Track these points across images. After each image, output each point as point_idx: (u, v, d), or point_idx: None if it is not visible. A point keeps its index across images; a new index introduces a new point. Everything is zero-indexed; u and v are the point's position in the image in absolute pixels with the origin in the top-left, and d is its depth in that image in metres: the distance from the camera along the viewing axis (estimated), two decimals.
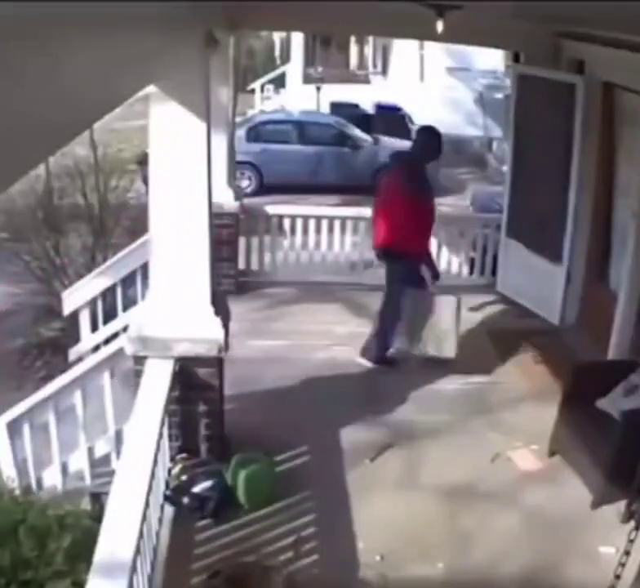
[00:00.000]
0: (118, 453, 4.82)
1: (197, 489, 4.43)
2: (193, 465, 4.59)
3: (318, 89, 19.52)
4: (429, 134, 6.07)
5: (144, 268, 6.07)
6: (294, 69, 22.77)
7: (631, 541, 3.58)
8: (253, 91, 21.61)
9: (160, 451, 4.02)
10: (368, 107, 18.87)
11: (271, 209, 8.09)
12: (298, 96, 20.32)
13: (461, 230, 8.18)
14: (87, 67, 1.76)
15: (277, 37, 27.56)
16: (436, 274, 6.19)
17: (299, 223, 8.06)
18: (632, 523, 3.75)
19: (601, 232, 6.45)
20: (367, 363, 6.14)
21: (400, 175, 5.97)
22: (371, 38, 25.68)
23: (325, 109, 18.92)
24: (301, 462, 4.96)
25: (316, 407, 5.61)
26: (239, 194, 7.64)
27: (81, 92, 1.77)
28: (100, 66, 1.89)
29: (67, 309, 7.76)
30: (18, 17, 1.24)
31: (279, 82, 22.61)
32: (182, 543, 4.22)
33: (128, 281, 7.64)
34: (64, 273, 10.36)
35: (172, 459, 4.60)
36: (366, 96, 19.68)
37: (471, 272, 8.11)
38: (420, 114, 18.83)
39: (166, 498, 4.41)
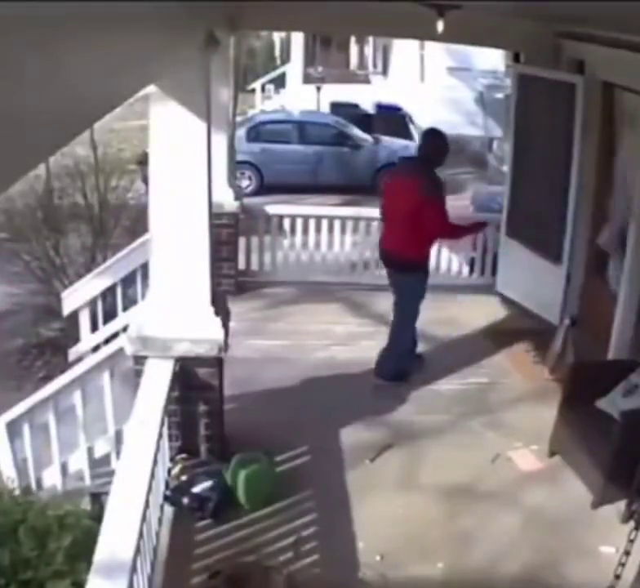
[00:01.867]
0: (118, 453, 4.82)
1: (197, 489, 4.43)
2: (193, 465, 4.59)
3: (318, 89, 19.51)
4: (437, 137, 5.78)
5: (144, 268, 6.07)
6: (294, 68, 22.77)
7: (631, 541, 3.59)
8: (253, 90, 21.61)
9: (160, 451, 4.02)
10: (368, 107, 18.86)
11: (271, 209, 8.08)
12: (298, 96, 20.31)
13: None
14: (87, 67, 1.76)
15: (277, 37, 27.57)
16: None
17: (299, 223, 8.06)
18: (632, 523, 3.75)
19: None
20: (382, 382, 5.87)
21: (415, 181, 5.57)
22: (371, 38, 25.67)
23: (325, 109, 18.90)
24: (301, 462, 4.96)
25: (316, 407, 5.61)
26: (239, 194, 7.64)
27: (81, 92, 1.77)
28: (99, 66, 1.89)
29: (67, 309, 7.76)
30: (18, 17, 1.24)
31: (279, 82, 22.63)
32: (182, 543, 4.22)
33: (128, 281, 7.65)
34: (64, 273, 10.37)
35: (172, 459, 4.60)
36: (366, 96, 19.66)
37: (471, 272, 8.10)
38: (420, 114, 18.84)
39: (166, 498, 4.41)
